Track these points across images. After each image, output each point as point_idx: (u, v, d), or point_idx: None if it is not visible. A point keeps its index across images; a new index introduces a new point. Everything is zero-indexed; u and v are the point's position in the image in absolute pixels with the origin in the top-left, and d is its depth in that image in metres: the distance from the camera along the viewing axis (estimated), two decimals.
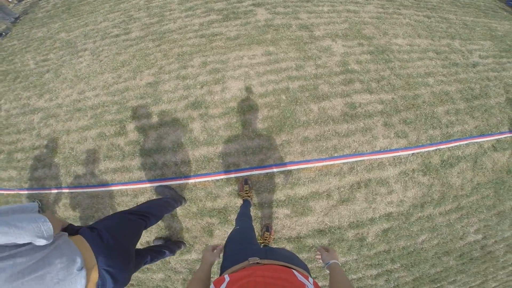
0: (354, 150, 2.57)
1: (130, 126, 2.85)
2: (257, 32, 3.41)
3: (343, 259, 2.54)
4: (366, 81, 2.95)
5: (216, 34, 3.47)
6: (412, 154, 2.65)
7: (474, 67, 3.52)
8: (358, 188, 2.49)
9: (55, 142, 3.06)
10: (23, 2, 6.80)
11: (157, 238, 2.54)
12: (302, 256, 2.46)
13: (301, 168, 2.49)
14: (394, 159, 2.61)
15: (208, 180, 2.53)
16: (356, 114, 2.71)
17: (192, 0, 4.25)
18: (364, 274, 2.59)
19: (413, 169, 2.61)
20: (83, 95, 3.30)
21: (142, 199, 2.61)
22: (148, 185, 2.61)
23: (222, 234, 2.51)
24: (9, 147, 3.25)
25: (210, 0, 4.16)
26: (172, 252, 2.27)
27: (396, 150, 2.61)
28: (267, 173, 2.50)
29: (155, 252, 2.02)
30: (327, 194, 2.46)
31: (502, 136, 2.98)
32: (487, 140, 2.90)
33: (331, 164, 2.51)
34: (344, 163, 2.52)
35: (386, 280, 2.62)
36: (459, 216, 2.67)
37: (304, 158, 2.51)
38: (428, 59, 3.38)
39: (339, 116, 2.68)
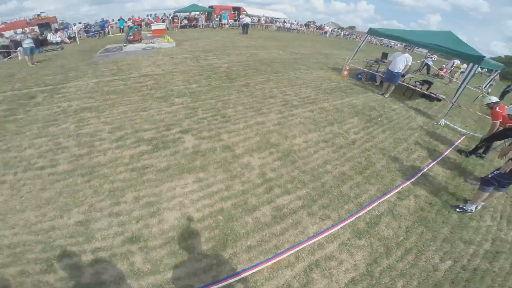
0: (292, 243, 2.89)
1: (60, 264, 2.59)
2: (186, 160, 3.96)
3: None
4: (282, 184, 3.65)
5: (147, 167, 3.79)
6: (340, 227, 3.13)
7: (354, 144, 4.78)
8: (311, 270, 2.65)
9: None
10: None
11: None
12: None
13: (254, 272, 2.59)
14: (329, 237, 3.01)
15: None
16: (283, 214, 3.21)
17: (123, 128, 4.71)
18: None
19: (348, 238, 3.02)
20: None
21: None
22: None
23: None
24: None
25: (140, 129, 4.71)
26: None
27: (326, 230, 3.08)
28: (224, 286, 2.49)
29: None
30: (287, 286, 2.52)
31: (400, 188, 3.89)
32: (390, 196, 3.72)
33: (279, 260, 2.71)
34: (289, 255, 2.76)
35: None
36: (414, 256, 2.93)
37: (253, 263, 2.65)
38: (321, 150, 4.52)
39: (271, 220, 3.12)
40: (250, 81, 7.82)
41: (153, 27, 16.75)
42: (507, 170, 3.13)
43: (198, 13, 27.38)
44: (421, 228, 3.31)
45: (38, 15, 22.56)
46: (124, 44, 12.42)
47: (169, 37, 14.60)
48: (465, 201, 3.81)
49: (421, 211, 3.59)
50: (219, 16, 27.98)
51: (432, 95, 8.52)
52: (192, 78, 7.74)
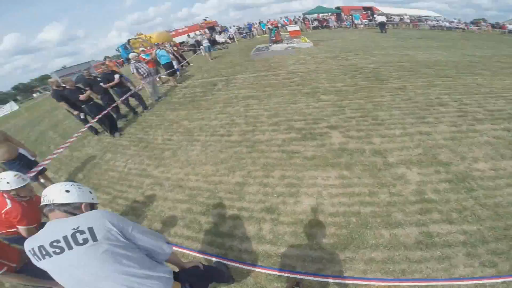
0: (426, 276, 2.33)
1: (214, 211, 3.39)
2: (331, 155, 4.00)
3: None
4: (445, 211, 2.93)
5: (295, 152, 4.20)
6: (502, 282, 2.23)
7: None
8: None
9: (152, 202, 3.81)
10: (165, 85, 10.22)
11: None
12: None
13: (360, 285, 2.33)
14: (476, 286, 2.22)
15: (261, 272, 2.58)
16: (433, 243, 2.60)
17: (277, 116, 5.55)
18: None
19: None
20: (188, 177, 4.16)
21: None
22: (211, 258, 2.83)
23: None
24: (117, 193, 4.20)
25: (291, 119, 5.29)
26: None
27: (481, 278, 2.26)
28: (321, 282, 2.42)
29: None
30: None
31: None
32: None
33: (398, 286, 2.29)
34: (412, 286, 2.27)
35: None
36: None
37: (366, 275, 2.38)
38: None
39: (413, 243, 2.61)
40: (406, 83, 6.76)
41: (289, 28, 18.23)
42: None
43: (327, 14, 27.19)
44: None
45: (205, 20, 28.69)
46: (270, 44, 14.19)
47: (305, 37, 15.21)
48: None
49: None
50: (350, 16, 26.67)
51: None
52: (336, 77, 7.66)
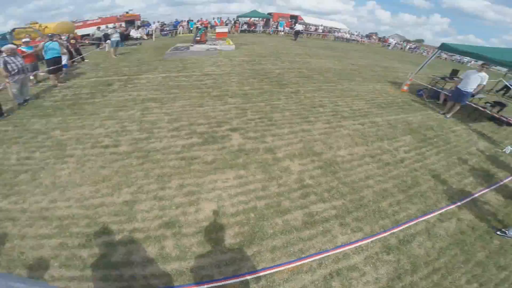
0: (318, 249, 2.92)
1: (99, 240, 2.83)
2: (230, 156, 4.28)
3: None
4: (319, 192, 3.70)
5: (195, 158, 4.18)
6: (371, 241, 3.07)
7: (402, 162, 4.56)
8: (331, 277, 2.64)
9: (2, 244, 2.78)
10: (41, 84, 7.92)
11: None
12: None
13: (274, 272, 2.68)
14: (357, 248, 2.97)
15: None
16: (314, 221, 3.25)
17: (180, 120, 5.31)
18: None
19: (376, 252, 2.95)
20: (54, 204, 3.25)
21: None
22: None
23: None
24: None
25: (195, 123, 5.25)
26: None
27: (356, 241, 3.04)
28: (242, 281, 2.60)
29: None
30: None
31: (443, 210, 3.65)
32: (431, 216, 3.52)
33: (301, 264, 2.77)
34: (312, 261, 2.80)
35: None
36: (440, 276, 2.84)
37: (275, 263, 2.75)
38: (366, 164, 4.43)
39: (301, 225, 3.18)
40: (300, 88, 7.95)
41: (217, 29, 18.12)
42: None
43: (257, 19, 28.56)
44: (455, 250, 3.13)
45: (127, 12, 26.07)
46: (192, 44, 13.74)
47: (230, 40, 15.59)
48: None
49: (460, 234, 3.34)
50: (276, 23, 28.81)
51: (503, 118, 7.44)
52: (246, 81, 8.21)
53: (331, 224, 3.26)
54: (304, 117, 5.90)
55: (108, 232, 2.93)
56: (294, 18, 32.70)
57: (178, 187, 3.61)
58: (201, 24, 22.97)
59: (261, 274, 2.64)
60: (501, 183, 4.52)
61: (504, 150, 5.89)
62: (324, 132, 5.20)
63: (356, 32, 36.28)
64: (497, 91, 13.64)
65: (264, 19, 28.94)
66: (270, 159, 4.29)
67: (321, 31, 31.80)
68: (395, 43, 34.56)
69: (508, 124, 7.49)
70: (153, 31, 21.59)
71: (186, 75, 8.57)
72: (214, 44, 14.26)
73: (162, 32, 23.94)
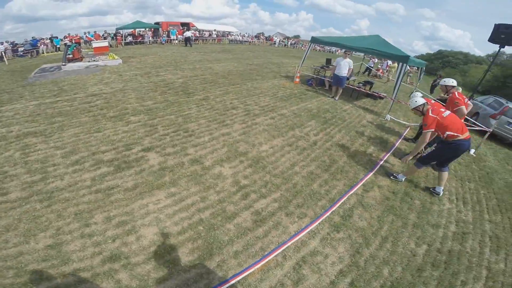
0: (277, 243, 2.98)
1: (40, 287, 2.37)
2: (154, 177, 3.81)
3: None
4: (257, 190, 3.75)
5: (112, 187, 3.55)
6: (318, 224, 3.31)
7: (315, 144, 5.18)
8: (300, 267, 2.73)
9: None
10: None
11: None
12: None
13: (246, 276, 2.61)
14: (310, 233, 3.16)
15: None
16: (263, 217, 3.29)
17: (77, 152, 4.35)
18: None
19: (327, 233, 3.19)
20: None
21: None
22: None
23: None
24: None
25: (97, 151, 4.39)
26: None
27: (305, 227, 3.24)
28: None
29: None
30: (280, 284, 2.55)
31: (363, 181, 4.27)
32: (357, 188, 4.07)
33: (267, 261, 2.76)
34: (276, 256, 2.83)
35: None
36: (391, 243, 3.15)
37: (243, 267, 2.67)
38: (287, 153, 4.80)
39: (252, 224, 3.17)
40: (209, 94, 7.86)
41: (94, 44, 15.88)
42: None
43: (143, 29, 26.61)
44: (391, 216, 3.60)
45: None
46: (63, 63, 11.45)
47: (114, 54, 13.87)
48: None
49: (387, 200, 3.96)
50: (167, 32, 27.62)
51: (375, 94, 9.63)
52: (146, 95, 7.45)
53: (278, 216, 3.35)
54: (220, 121, 5.87)
55: (47, 277, 2.43)
56: (186, 25, 32.28)
57: (105, 220, 3.04)
58: (70, 40, 19.57)
59: (233, 281, 2.52)
60: (395, 146, 5.78)
61: (385, 118, 7.58)
62: (243, 132, 5.34)
63: (246, 33, 38.85)
64: (363, 72, 17.48)
65: (152, 29, 27.26)
66: (199, 170, 4.04)
67: (215, 36, 32.54)
68: (279, 41, 38.98)
69: (380, 97, 9.68)
70: (3, 52, 16.82)
71: (66, 99, 6.96)
72: (94, 61, 12.33)
73: (17, 53, 18.99)
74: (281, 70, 13.48)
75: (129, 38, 24.45)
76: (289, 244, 2.98)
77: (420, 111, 4.08)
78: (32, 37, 21.62)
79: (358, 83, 10.69)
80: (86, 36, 23.94)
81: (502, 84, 30.33)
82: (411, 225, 3.53)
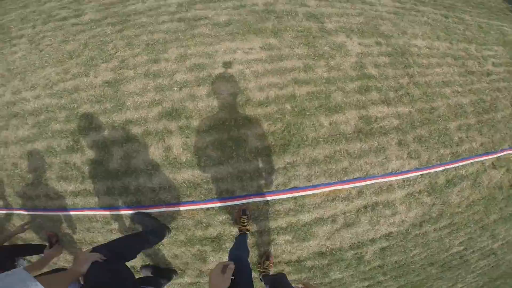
0: (365, 173, 2.33)
1: (87, 139, 2.27)
2: (254, 18, 2.76)
3: (339, 275, 2.51)
4: (384, 89, 2.59)
5: (199, 18, 2.73)
6: (422, 175, 2.52)
7: (488, 76, 3.32)
8: (365, 212, 2.34)
9: None
10: None
11: (144, 267, 2.27)
12: (302, 276, 2.41)
13: (307, 195, 2.24)
14: (404, 181, 2.45)
15: (196, 209, 2.19)
16: (371, 130, 2.40)
17: None
18: (357, 286, 2.62)
19: (419, 190, 2.50)
20: (19, 95, 2.55)
21: (115, 226, 2.26)
22: (122, 212, 2.21)
23: (217, 261, 2.28)
24: None
25: None
26: (160, 285, 2.04)
27: (407, 172, 2.47)
28: (268, 201, 2.21)
29: (143, 283, 1.83)
30: (332, 220, 2.29)
31: (502, 154, 2.94)
32: (489, 158, 2.85)
33: (340, 189, 2.29)
34: (353, 187, 2.31)
35: None
36: (450, 231, 2.70)
37: (311, 183, 2.23)
38: (447, 66, 3.08)
39: (353, 133, 2.36)
40: None
41: None
42: None
43: None
44: (480, 207, 2.79)
45: None
46: None
47: None
48: None
49: (497, 189, 2.85)
50: None
51: None
52: None
53: (389, 139, 2.45)
54: None
55: (95, 127, 2.28)
56: None
57: (179, 58, 2.47)
58: None
59: (293, 194, 2.18)
60: None
61: None
62: (394, 12, 3.43)
63: None
64: None
65: None
66: (315, 29, 2.78)
67: None
68: None
69: None
70: None
71: None
72: None
73: None
74: None
75: None
76: (375, 181, 2.35)
77: None
78: None
79: None
80: None
81: None
82: (482, 224, 2.83)
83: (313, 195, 2.22)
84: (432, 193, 2.54)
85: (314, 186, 2.21)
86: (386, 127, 2.44)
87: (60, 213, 2.28)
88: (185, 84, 2.33)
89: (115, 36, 2.67)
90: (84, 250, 2.21)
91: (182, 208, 2.17)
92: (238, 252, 1.67)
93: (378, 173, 2.36)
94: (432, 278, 2.87)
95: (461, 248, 2.82)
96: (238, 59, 2.47)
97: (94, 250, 1.36)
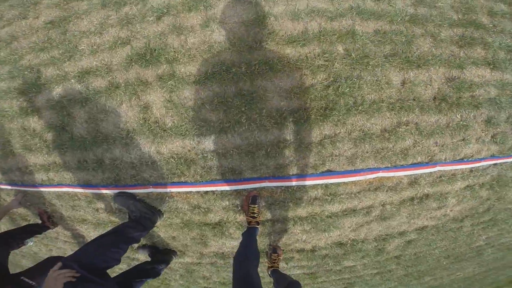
0: (429, 158, 1.66)
1: (39, 99, 1.70)
2: None
3: (352, 264, 2.22)
4: (494, 46, 1.67)
5: None
6: (494, 164, 1.90)
7: None
8: (410, 205, 1.81)
9: None
10: None
11: (141, 247, 2.06)
12: (312, 263, 2.13)
13: (343, 181, 1.62)
14: (471, 170, 1.83)
15: (191, 191, 1.61)
16: (459, 100, 1.60)
17: None
18: (365, 273, 2.43)
19: (482, 183, 1.93)
20: None
21: (101, 206, 1.89)
22: (103, 191, 1.76)
23: (219, 245, 1.95)
24: None
25: None
26: (159, 273, 1.85)
27: (479, 160, 1.82)
28: (289, 187, 1.60)
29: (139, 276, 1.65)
30: (366, 212, 1.77)
31: None
32: None
33: (390, 176, 1.66)
34: (406, 174, 1.69)
35: (380, 276, 2.57)
36: (485, 226, 2.36)
37: (354, 167, 1.57)
38: None
39: (433, 100, 1.55)
40: None
41: None
42: None
43: None
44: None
45: None
46: None
47: None
48: None
49: None
50: None
51: None
52: None
53: (477, 115, 1.65)
54: None
55: (45, 82, 1.66)
56: None
57: None
58: None
59: (321, 181, 1.59)
60: None
61: None
62: None
63: None
64: None
65: None
66: None
67: None
68: None
69: None
70: None
71: None
72: None
73: None
74: None
75: None
76: (436, 169, 1.71)
77: None
78: None
79: None
80: None
81: None
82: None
83: (351, 182, 1.62)
84: (494, 187, 1.99)
85: (356, 172, 1.55)
86: (480, 97, 1.63)
87: (39, 189, 1.94)
88: (166, 9, 1.42)
89: None
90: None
91: (173, 189, 1.62)
92: (245, 261, 1.29)
93: (446, 159, 1.70)
94: (440, 268, 2.79)
95: (484, 243, 2.61)
96: None
97: (64, 264, 1.10)
